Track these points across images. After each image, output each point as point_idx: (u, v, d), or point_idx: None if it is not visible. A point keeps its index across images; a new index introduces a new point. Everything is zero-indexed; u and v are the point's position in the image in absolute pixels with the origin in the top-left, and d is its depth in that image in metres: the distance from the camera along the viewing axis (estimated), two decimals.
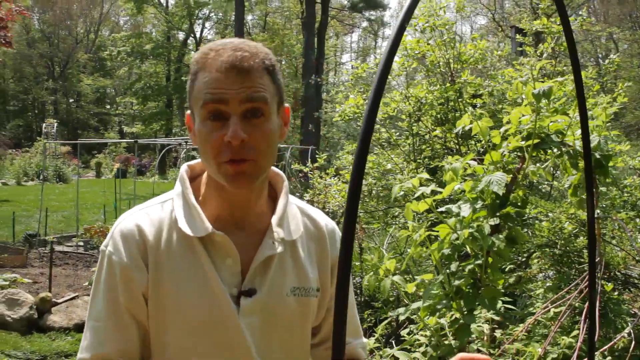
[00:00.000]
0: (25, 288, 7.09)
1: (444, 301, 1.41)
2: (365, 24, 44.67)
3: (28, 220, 12.55)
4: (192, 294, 1.19)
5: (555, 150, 1.66)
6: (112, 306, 1.19)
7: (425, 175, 1.49)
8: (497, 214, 1.51)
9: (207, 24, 40.56)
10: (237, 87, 1.13)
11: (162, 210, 1.25)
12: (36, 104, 43.74)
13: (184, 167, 1.30)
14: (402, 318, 1.55)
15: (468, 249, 1.48)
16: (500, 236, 1.39)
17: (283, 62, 38.50)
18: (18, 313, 6.23)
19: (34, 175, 22.04)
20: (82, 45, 46.53)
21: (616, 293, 3.31)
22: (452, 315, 1.34)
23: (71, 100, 45.65)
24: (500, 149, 1.62)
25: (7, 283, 6.85)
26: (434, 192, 1.58)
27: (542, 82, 1.62)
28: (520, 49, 4.87)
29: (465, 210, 1.51)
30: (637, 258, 3.63)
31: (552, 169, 4.15)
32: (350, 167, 5.56)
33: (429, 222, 1.76)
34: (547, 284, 3.42)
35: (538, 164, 1.59)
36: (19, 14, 15.21)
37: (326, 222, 1.38)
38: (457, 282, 1.41)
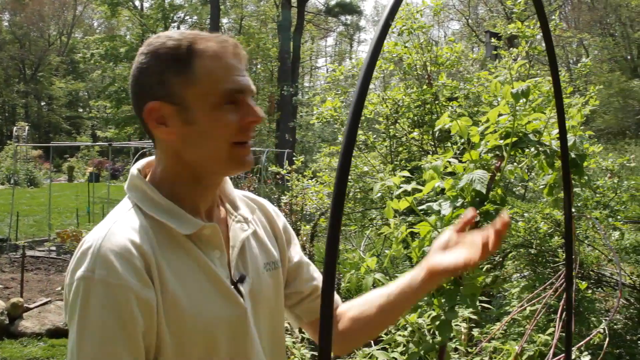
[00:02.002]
0: None
1: (425, 298, 1.42)
2: (340, 28, 44.87)
3: None
4: (205, 295, 1.13)
5: (532, 149, 1.68)
6: (122, 338, 1.02)
7: (407, 174, 1.50)
8: (478, 211, 1.52)
9: (182, 27, 40.31)
10: (245, 74, 1.16)
11: (137, 218, 1.13)
12: (7, 107, 42.99)
13: (134, 171, 1.21)
14: None
15: None
16: None
17: (259, 66, 38.41)
18: None
19: (4, 179, 21.64)
20: (54, 47, 45.88)
21: (590, 292, 3.37)
22: (430, 313, 1.35)
23: (43, 104, 44.97)
24: (479, 148, 1.64)
25: None
26: (415, 191, 1.59)
27: (518, 82, 1.65)
28: (496, 52, 4.93)
29: (446, 208, 1.52)
30: (609, 257, 3.70)
31: (527, 170, 4.22)
32: (327, 169, 5.57)
33: (407, 223, 1.78)
34: (523, 284, 3.47)
35: (515, 164, 1.62)
36: None
37: (261, 200, 1.41)
38: None
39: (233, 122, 1.13)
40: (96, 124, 43.59)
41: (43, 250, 10.35)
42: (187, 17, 38.56)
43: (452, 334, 1.35)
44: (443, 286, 1.40)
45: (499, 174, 1.52)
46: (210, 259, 1.16)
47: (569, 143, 1.50)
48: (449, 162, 1.52)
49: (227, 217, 1.25)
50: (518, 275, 3.97)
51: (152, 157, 1.25)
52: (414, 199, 1.62)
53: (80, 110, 46.75)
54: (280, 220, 1.40)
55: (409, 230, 1.48)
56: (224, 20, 36.31)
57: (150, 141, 1.19)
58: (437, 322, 1.36)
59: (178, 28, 38.97)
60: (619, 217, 3.93)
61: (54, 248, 10.20)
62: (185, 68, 1.11)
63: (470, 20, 31.73)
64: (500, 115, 1.66)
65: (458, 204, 1.45)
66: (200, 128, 1.12)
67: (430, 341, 1.37)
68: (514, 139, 1.52)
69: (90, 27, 49.88)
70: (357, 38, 48.11)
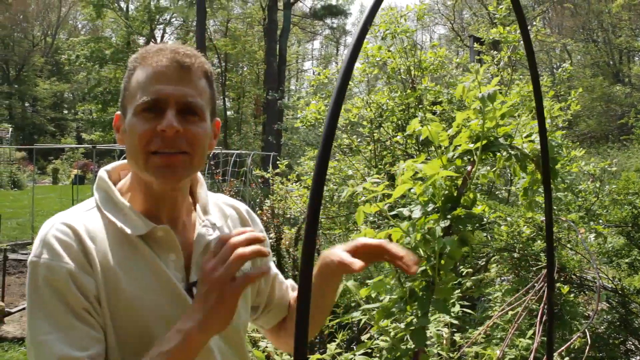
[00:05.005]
0: None
1: (399, 304, 1.41)
2: (327, 31, 44.91)
3: None
4: (151, 293, 1.15)
5: (504, 153, 1.67)
6: (68, 312, 1.07)
7: (377, 180, 1.49)
8: (448, 216, 1.52)
9: (168, 29, 40.17)
10: (177, 83, 1.14)
11: (91, 216, 1.18)
12: None
13: (102, 173, 1.25)
14: (352, 319, 1.56)
15: (421, 252, 1.49)
16: (454, 237, 1.41)
17: (245, 68, 38.34)
18: None
19: None
20: (38, 48, 45.51)
21: (572, 295, 3.38)
22: (409, 318, 1.35)
23: (27, 105, 44.56)
24: (450, 152, 1.63)
25: None
26: (386, 195, 1.58)
27: (487, 86, 1.65)
28: (479, 57, 4.96)
29: (417, 212, 1.51)
30: (588, 260, 3.71)
31: (509, 174, 4.23)
32: (312, 172, 5.56)
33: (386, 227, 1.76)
34: (505, 288, 3.47)
35: (488, 167, 1.62)
36: None
37: (239, 205, 1.43)
38: (409, 284, 1.42)
39: (146, 130, 1.12)
40: (81, 126, 43.26)
41: (26, 254, 10.24)
42: (173, 20, 38.41)
43: (426, 341, 1.34)
44: (416, 292, 1.39)
45: (470, 179, 1.51)
46: (163, 261, 1.18)
47: (538, 145, 1.50)
48: (417, 167, 1.51)
49: (196, 222, 1.28)
50: (500, 279, 3.98)
51: (125, 162, 1.28)
52: (389, 203, 1.61)
53: (65, 112, 46.36)
54: (257, 227, 1.42)
55: (381, 234, 1.47)
56: (210, 23, 36.21)
57: None
58: (412, 328, 1.35)
59: (164, 30, 38.82)
60: (600, 221, 3.96)
61: None
62: (129, 80, 1.18)
63: (455, 25, 31.92)
64: (468, 119, 1.66)
65: (429, 209, 1.45)
66: (128, 135, 1.16)
67: (408, 346, 1.36)
68: (484, 142, 1.51)
69: (74, 29, 49.52)
70: (344, 42, 48.16)
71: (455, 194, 1.45)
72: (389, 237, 1.48)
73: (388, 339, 1.83)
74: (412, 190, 1.52)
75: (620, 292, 3.72)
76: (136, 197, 1.22)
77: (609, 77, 30.28)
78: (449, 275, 1.37)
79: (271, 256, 1.47)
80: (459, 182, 1.51)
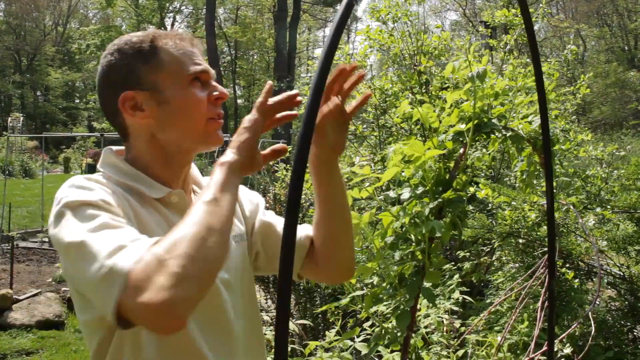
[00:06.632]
0: None
1: (387, 290, 1.38)
2: None
3: None
4: None
5: (498, 134, 1.62)
6: (112, 217, 1.03)
7: (365, 162, 1.45)
8: (439, 198, 1.47)
9: (177, 17, 40.09)
10: (203, 59, 1.26)
11: (109, 182, 1.18)
12: (2, 97, 42.76)
13: (108, 150, 1.27)
14: (341, 305, 1.52)
15: (412, 237, 1.44)
16: (446, 220, 1.37)
17: (255, 56, 38.21)
18: None
19: None
20: (50, 38, 45.60)
21: (577, 280, 3.32)
22: (397, 303, 1.31)
23: (39, 94, 44.76)
24: (441, 133, 1.58)
25: None
26: (377, 179, 1.54)
27: (484, 65, 1.59)
28: (484, 41, 4.87)
29: (406, 194, 1.47)
30: (600, 248, 3.64)
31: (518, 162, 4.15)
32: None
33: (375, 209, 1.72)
34: (509, 274, 3.42)
35: (484, 150, 1.56)
36: None
37: None
38: (395, 268, 1.37)
39: (203, 98, 1.21)
40: (93, 115, 43.38)
41: (35, 242, 10.30)
42: (183, 7, 38.34)
43: (408, 323, 1.30)
44: (405, 278, 1.35)
45: (462, 161, 1.46)
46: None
47: (534, 126, 1.45)
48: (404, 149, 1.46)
49: (193, 196, 1.32)
50: (511, 265, 3.92)
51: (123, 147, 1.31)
52: (378, 187, 1.57)
53: (77, 101, 46.51)
54: (244, 195, 1.45)
55: (368, 218, 1.42)
56: (220, 10, 36.09)
57: None
58: (398, 312, 1.31)
59: (174, 18, 38.77)
60: (608, 206, 3.88)
61: (46, 239, 10.14)
62: (152, 57, 1.20)
63: (467, 11, 31.57)
64: (461, 100, 1.61)
65: (419, 192, 1.40)
66: (175, 106, 1.20)
67: (395, 332, 1.32)
68: (476, 122, 1.46)
69: (85, 17, 49.55)
70: (355, 28, 47.81)
71: (447, 177, 1.40)
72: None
73: (377, 323, 1.79)
74: (403, 174, 1.48)
75: (628, 279, 3.66)
76: (152, 166, 1.24)
77: (623, 63, 29.85)
78: (439, 258, 1.33)
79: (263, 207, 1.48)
80: (451, 164, 1.47)
